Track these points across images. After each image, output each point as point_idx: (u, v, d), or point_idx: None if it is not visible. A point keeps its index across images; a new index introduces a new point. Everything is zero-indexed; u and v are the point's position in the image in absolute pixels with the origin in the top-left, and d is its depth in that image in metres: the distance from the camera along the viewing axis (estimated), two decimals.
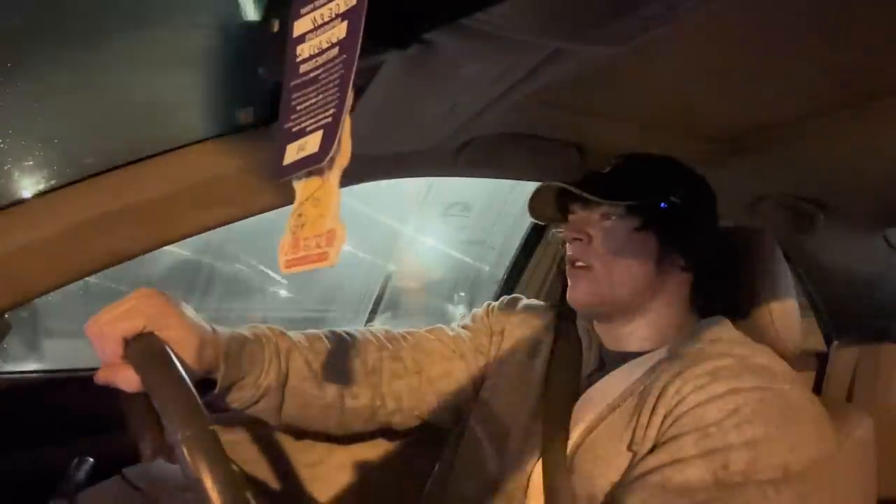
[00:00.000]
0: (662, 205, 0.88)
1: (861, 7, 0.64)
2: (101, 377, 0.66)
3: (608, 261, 0.86)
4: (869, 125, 0.93)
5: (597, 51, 0.64)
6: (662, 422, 0.75)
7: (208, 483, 0.51)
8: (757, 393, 0.72)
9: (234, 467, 0.55)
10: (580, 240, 0.88)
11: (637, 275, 0.86)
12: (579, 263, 0.88)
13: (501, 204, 2.08)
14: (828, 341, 1.78)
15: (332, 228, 0.45)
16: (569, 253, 0.90)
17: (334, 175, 0.46)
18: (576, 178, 0.90)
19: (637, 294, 0.87)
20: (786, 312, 0.92)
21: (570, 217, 0.92)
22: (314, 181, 0.48)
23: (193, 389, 0.59)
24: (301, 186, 0.49)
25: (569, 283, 0.90)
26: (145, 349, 0.63)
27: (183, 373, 0.60)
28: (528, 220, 1.65)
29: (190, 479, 0.52)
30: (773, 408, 0.71)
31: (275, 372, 0.80)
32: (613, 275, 0.86)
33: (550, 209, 0.96)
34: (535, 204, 0.96)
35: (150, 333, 0.66)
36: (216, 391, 0.76)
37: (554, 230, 1.55)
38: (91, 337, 0.67)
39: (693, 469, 0.68)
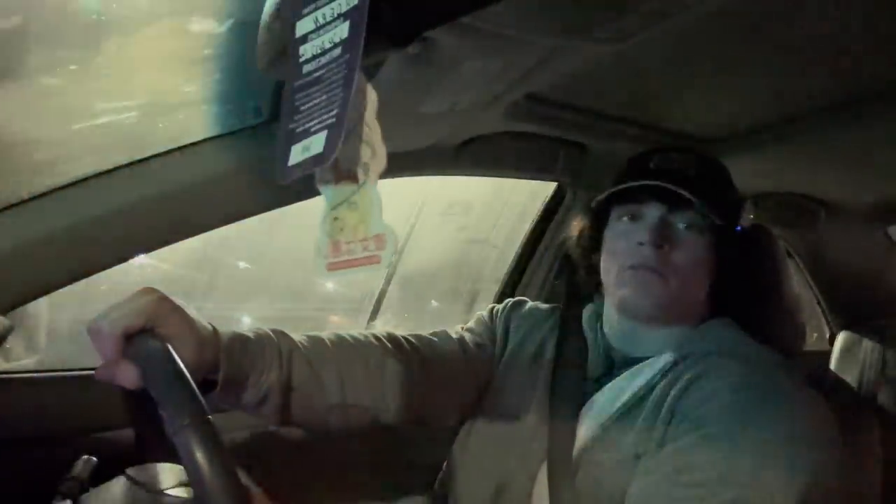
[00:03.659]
0: (738, 228, 0.86)
1: (860, 7, 0.64)
2: (101, 374, 0.66)
3: (682, 275, 0.84)
4: (869, 122, 0.93)
5: (596, 49, 0.64)
6: (668, 424, 0.75)
7: (207, 472, 0.51)
8: (761, 394, 0.72)
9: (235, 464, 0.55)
10: (661, 247, 0.83)
11: (697, 291, 0.86)
12: (653, 268, 0.83)
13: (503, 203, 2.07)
14: (831, 338, 1.78)
15: (379, 233, 0.45)
16: (640, 258, 0.84)
17: (371, 180, 0.46)
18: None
19: (686, 306, 0.86)
20: (790, 310, 0.92)
21: (648, 213, 0.86)
22: (346, 186, 0.48)
23: (193, 383, 0.59)
24: (331, 191, 0.49)
25: (630, 284, 0.85)
26: (145, 346, 0.63)
27: (182, 368, 0.61)
28: (529, 220, 1.64)
29: (188, 469, 0.52)
30: (778, 409, 0.71)
31: (276, 372, 0.80)
32: (682, 289, 0.84)
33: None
34: (617, 194, 0.88)
35: (151, 331, 0.66)
36: (217, 391, 0.76)
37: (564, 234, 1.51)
38: (92, 335, 0.66)
39: (698, 470, 0.68)
